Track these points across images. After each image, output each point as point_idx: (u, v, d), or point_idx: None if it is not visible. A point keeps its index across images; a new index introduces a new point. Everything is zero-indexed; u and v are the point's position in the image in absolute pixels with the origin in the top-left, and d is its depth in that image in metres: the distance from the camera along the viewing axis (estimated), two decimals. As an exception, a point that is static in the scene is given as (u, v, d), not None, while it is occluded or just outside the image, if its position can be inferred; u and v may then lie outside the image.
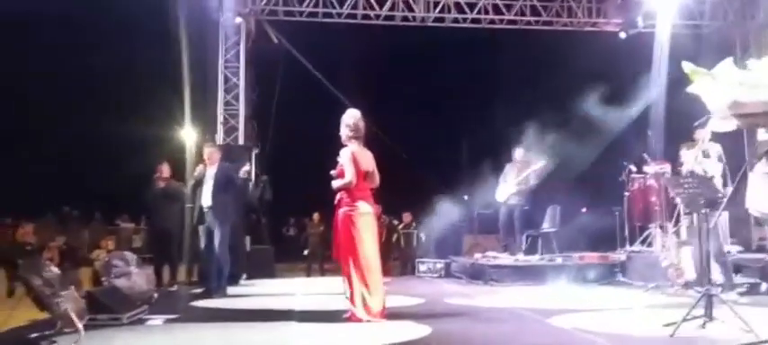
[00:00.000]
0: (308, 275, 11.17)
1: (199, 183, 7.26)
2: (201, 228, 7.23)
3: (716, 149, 6.35)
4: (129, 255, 6.86)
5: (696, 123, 5.09)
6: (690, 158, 6.62)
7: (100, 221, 16.55)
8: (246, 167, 8.28)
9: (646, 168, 8.44)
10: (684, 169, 6.56)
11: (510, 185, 9.06)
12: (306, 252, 11.86)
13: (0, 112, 14.62)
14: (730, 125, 3.54)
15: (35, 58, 14.34)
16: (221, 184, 7.15)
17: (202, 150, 7.67)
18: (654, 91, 9.74)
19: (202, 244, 7.27)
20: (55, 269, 4.43)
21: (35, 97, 14.91)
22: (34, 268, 4.31)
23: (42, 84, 14.69)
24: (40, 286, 4.16)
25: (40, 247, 12.04)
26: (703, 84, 3.46)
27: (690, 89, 3.54)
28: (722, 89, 3.35)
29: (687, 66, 3.52)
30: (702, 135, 6.17)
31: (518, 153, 9.22)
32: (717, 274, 6.14)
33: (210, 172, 7.21)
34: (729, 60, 3.49)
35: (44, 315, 4.42)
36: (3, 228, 15.91)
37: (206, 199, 7.16)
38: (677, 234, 7.17)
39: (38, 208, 14.94)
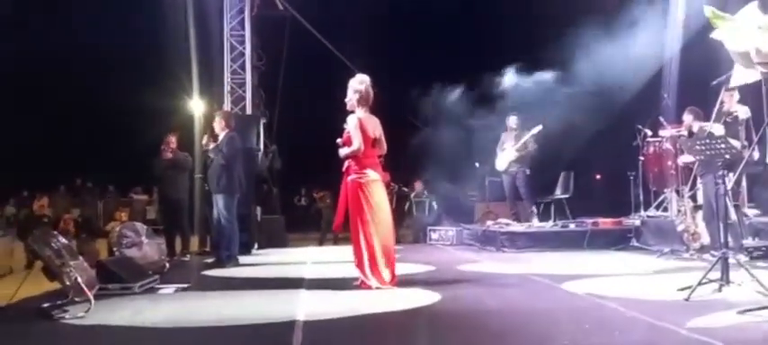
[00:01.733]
0: (321, 244, 11.20)
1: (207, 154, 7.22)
2: (212, 198, 7.22)
3: (744, 111, 6.13)
4: (140, 226, 6.91)
5: (714, 82, 4.91)
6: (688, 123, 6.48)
7: (114, 193, 16.73)
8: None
9: (661, 132, 8.26)
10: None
11: (508, 152, 9.06)
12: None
13: (13, 89, 14.68)
14: (754, 75, 3.40)
15: (47, 35, 14.30)
16: (221, 158, 7.06)
17: (213, 120, 7.57)
18: (669, 50, 9.46)
19: (214, 214, 7.27)
20: (63, 240, 4.43)
21: (47, 73, 14.92)
22: (43, 239, 4.32)
23: (55, 60, 14.68)
24: (49, 256, 4.17)
25: (55, 219, 12.18)
26: (726, 30, 3.31)
27: (713, 35, 3.40)
28: (746, 34, 3.20)
29: (708, 10, 3.38)
30: (728, 96, 5.94)
31: (512, 120, 9.21)
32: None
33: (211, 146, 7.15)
34: (754, 4, 3.33)
35: (56, 286, 4.44)
36: (20, 201, 16.15)
37: (209, 171, 7.17)
38: (693, 198, 7.05)
39: (51, 181, 15.10)
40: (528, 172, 9.09)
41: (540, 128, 8.94)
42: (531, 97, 9.39)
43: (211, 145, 7.12)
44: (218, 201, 7.05)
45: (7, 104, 14.67)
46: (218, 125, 7.23)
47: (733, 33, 3.28)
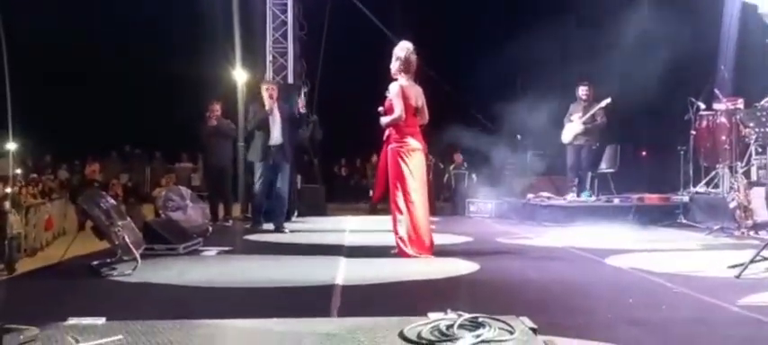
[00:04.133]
0: (371, 213, 11.24)
1: (265, 121, 7.01)
2: (262, 165, 7.08)
3: None
4: (185, 190, 7.08)
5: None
6: None
7: (160, 160, 17.21)
8: (301, 102, 7.78)
9: (716, 105, 7.90)
10: None
11: (576, 124, 8.66)
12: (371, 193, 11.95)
13: (66, 58, 15.17)
14: None
15: (91, 6, 14.65)
16: (288, 122, 7.08)
17: (260, 87, 7.40)
18: (726, 18, 8.95)
19: (260, 180, 7.13)
20: (112, 201, 4.57)
21: (97, 45, 15.33)
22: (93, 198, 4.46)
23: (104, 30, 15.07)
24: (98, 215, 4.31)
25: (105, 183, 12.63)
26: None
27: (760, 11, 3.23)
28: None
29: None
30: None
31: (582, 90, 8.75)
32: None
33: (275, 112, 7.02)
34: None
35: (105, 245, 4.60)
36: (72, 166, 16.82)
37: (275, 138, 7.02)
38: (746, 174, 6.75)
39: (101, 148, 15.64)
40: (594, 146, 8.73)
41: (608, 100, 8.47)
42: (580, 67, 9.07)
43: (268, 107, 6.99)
44: (287, 166, 7.10)
45: (59, 74, 15.19)
46: (275, 92, 7.12)
47: None
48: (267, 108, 7.01)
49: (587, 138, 8.64)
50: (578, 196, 8.68)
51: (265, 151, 7.04)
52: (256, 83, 9.68)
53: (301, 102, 7.68)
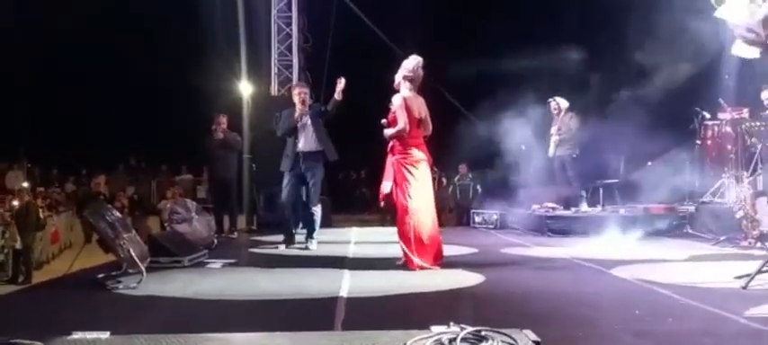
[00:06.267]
0: (379, 224, 11.22)
1: (295, 128, 6.56)
2: (290, 175, 6.60)
3: None
4: (191, 203, 7.10)
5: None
6: None
7: (166, 172, 17.26)
8: (340, 85, 6.44)
9: (721, 115, 7.89)
10: None
11: (554, 137, 8.87)
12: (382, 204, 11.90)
13: (72, 72, 15.29)
14: (753, 51, 3.22)
15: (98, 18, 14.78)
16: (322, 125, 6.60)
17: (291, 92, 6.98)
18: (730, 25, 8.93)
19: (286, 190, 6.66)
20: (117, 214, 4.59)
21: (103, 57, 15.45)
22: (98, 212, 4.49)
23: (110, 44, 15.19)
24: (103, 229, 4.33)
25: (111, 196, 12.67)
26: (727, 6, 3.16)
27: (717, 13, 3.24)
28: (750, 5, 3.03)
29: None
30: None
31: (552, 105, 8.95)
32: None
33: (304, 117, 6.56)
34: None
35: (110, 258, 4.62)
36: (78, 179, 16.89)
37: (308, 144, 6.53)
38: (753, 183, 6.72)
39: (107, 160, 15.71)
40: (575, 155, 8.84)
41: (567, 105, 8.71)
42: (583, 78, 9.12)
43: (298, 114, 6.53)
44: (320, 173, 6.68)
45: (65, 87, 15.31)
46: (307, 97, 6.75)
47: (736, 6, 3.12)
48: (298, 113, 6.52)
49: (565, 149, 8.79)
50: (567, 207, 8.71)
51: (295, 160, 6.57)
52: (265, 90, 9.62)
53: (342, 84, 6.44)
